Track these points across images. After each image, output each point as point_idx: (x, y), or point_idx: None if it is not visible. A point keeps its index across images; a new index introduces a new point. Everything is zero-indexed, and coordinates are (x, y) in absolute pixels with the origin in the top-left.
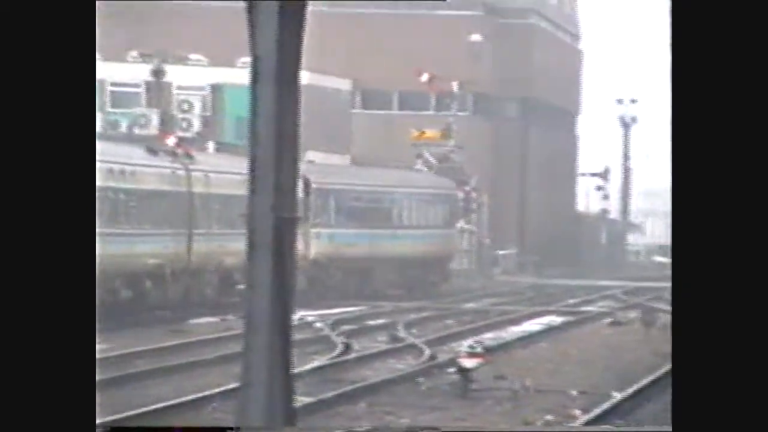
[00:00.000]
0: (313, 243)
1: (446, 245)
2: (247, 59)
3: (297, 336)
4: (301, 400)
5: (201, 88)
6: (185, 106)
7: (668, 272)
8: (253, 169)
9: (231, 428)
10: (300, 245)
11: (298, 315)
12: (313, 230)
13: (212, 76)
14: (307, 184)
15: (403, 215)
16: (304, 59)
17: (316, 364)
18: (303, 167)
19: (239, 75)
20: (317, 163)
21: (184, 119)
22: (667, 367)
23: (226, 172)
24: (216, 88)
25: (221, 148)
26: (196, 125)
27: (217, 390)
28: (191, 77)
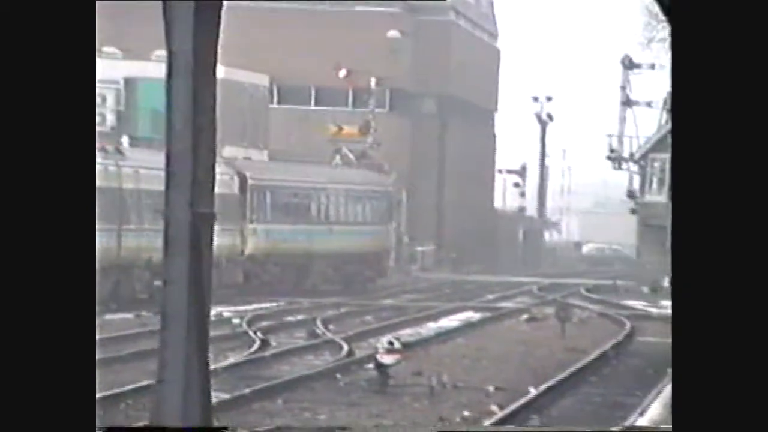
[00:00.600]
0: (249, 239)
1: (382, 241)
2: (162, 52)
3: (214, 332)
4: (217, 396)
5: (115, 82)
6: (98, 100)
7: (582, 268)
8: (169, 165)
9: (230, 428)
10: (237, 241)
11: (215, 311)
12: (250, 226)
13: (126, 69)
14: (243, 180)
15: (340, 212)
16: (221, 54)
17: (232, 360)
18: (239, 164)
19: (154, 68)
20: (254, 159)
21: (98, 114)
22: (582, 362)
23: (157, 168)
24: (130, 82)
25: (134, 143)
26: (110, 120)
27: (131, 387)
28: (104, 70)
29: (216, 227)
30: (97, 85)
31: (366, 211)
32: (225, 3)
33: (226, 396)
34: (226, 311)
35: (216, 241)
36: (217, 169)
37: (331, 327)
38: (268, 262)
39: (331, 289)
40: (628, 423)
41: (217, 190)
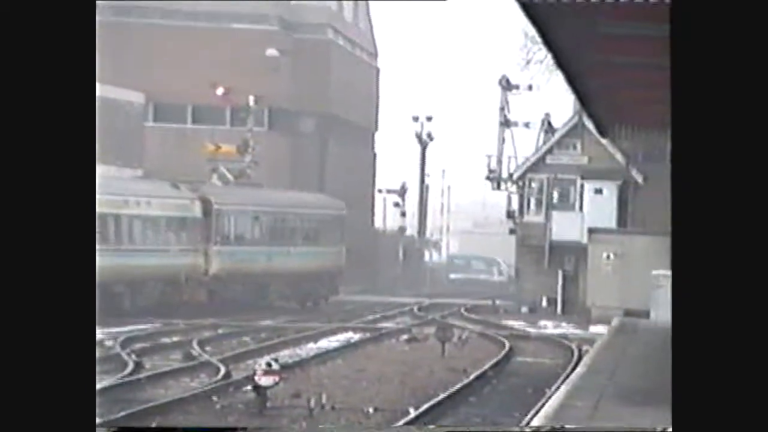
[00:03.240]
0: (213, 259)
1: (335, 261)
2: None
3: None
4: None
5: None
6: None
7: (464, 288)
8: None
9: (231, 428)
10: (201, 261)
11: None
12: (214, 248)
13: None
14: (208, 204)
15: (296, 234)
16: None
17: (105, 383)
18: (204, 189)
19: None
20: (217, 185)
21: None
22: (462, 382)
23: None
24: None
25: None
26: None
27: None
28: None
29: (179, 248)
30: None
31: (320, 234)
32: (98, 20)
33: (98, 420)
34: (99, 333)
35: (180, 261)
36: (180, 194)
37: (207, 348)
38: (230, 281)
39: (287, 306)
40: None
41: (179, 213)
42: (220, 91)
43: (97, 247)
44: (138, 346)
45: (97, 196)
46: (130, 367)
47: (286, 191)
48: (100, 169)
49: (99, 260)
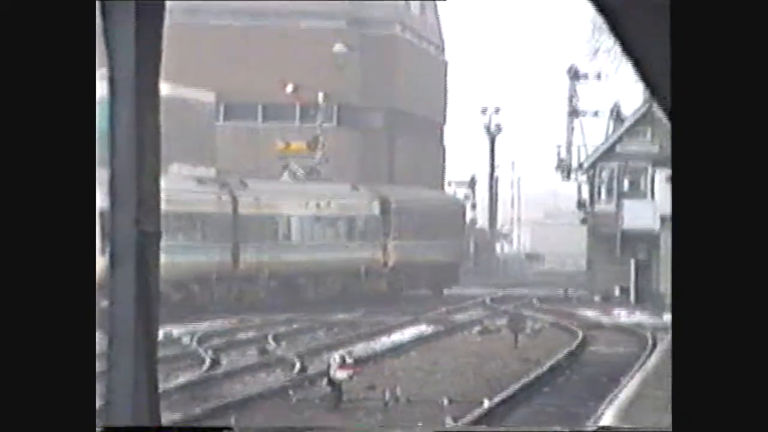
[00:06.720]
0: (392, 253)
1: (458, 252)
2: (105, 70)
3: (163, 352)
4: (167, 417)
5: None
6: None
7: (535, 279)
8: (113, 185)
9: (230, 428)
10: (380, 255)
11: (163, 330)
12: (393, 242)
13: None
14: (386, 203)
15: (437, 227)
16: (166, 71)
17: (182, 380)
18: (381, 189)
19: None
20: (393, 186)
21: None
22: (535, 372)
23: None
24: None
25: None
26: None
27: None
28: None
29: (359, 243)
30: None
31: (448, 227)
32: (168, 20)
33: (176, 416)
34: (176, 330)
35: (358, 254)
36: (359, 194)
37: (282, 344)
38: (403, 272)
39: (419, 294)
40: None
41: (358, 212)
42: (289, 88)
43: (281, 244)
44: (215, 342)
45: (271, 201)
46: (207, 363)
47: (430, 189)
48: (176, 168)
49: (284, 256)
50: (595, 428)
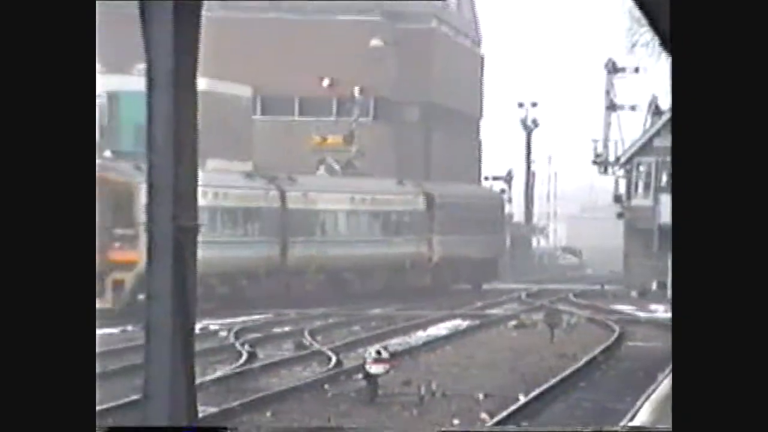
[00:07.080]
0: (437, 248)
1: (500, 247)
2: (144, 66)
3: (200, 346)
4: (204, 410)
5: (98, 96)
6: None
7: (571, 274)
8: (151, 178)
9: (230, 428)
10: (424, 249)
11: (200, 324)
12: (437, 237)
13: (108, 83)
14: (431, 199)
15: (479, 222)
16: (203, 66)
17: (219, 373)
18: (426, 186)
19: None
20: (435, 182)
21: None
22: (571, 368)
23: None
24: (112, 96)
25: (118, 156)
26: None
27: (118, 402)
28: None
29: (404, 238)
30: None
31: (489, 222)
32: (205, 15)
33: (214, 409)
34: (212, 324)
35: (404, 249)
36: (405, 189)
37: (318, 338)
38: (446, 267)
39: (462, 288)
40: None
41: (404, 207)
42: (325, 82)
43: (328, 239)
44: (251, 336)
45: (317, 194)
46: (244, 357)
47: (471, 184)
48: (214, 163)
49: (331, 251)
50: (599, 429)
